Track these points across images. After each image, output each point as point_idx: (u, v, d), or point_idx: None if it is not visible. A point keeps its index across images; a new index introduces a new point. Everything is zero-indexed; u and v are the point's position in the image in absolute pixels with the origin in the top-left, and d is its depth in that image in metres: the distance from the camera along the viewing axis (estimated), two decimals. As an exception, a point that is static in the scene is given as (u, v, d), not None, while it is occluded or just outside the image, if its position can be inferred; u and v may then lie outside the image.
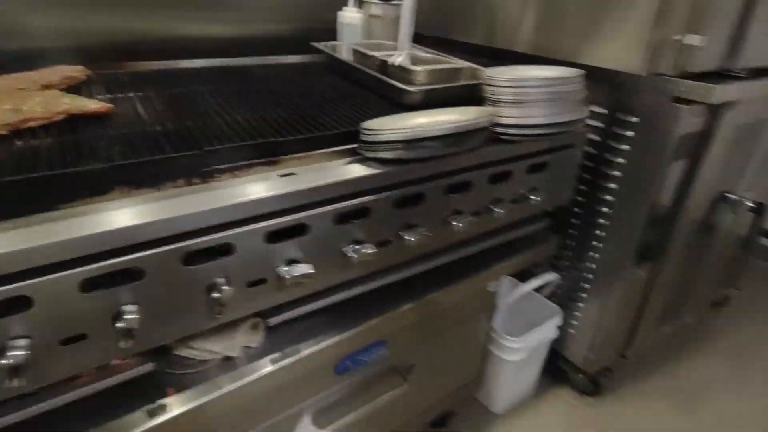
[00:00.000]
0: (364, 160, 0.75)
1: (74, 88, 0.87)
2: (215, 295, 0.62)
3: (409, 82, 0.93)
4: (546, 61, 1.14)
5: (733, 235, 1.44)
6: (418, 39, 1.12)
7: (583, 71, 0.90)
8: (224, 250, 0.62)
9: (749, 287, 2.01)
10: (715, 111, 1.01)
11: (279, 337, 0.78)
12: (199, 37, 1.21)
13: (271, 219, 0.64)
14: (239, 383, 0.71)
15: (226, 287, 0.61)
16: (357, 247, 0.73)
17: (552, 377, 1.48)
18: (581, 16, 1.07)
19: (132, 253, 0.56)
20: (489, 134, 0.84)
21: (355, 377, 0.91)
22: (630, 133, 1.04)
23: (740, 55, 0.99)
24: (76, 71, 0.89)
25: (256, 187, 0.64)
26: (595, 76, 1.05)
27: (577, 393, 1.45)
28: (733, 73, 0.99)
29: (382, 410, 1.00)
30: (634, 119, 1.02)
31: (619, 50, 0.95)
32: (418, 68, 0.93)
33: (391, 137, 0.72)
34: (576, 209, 1.22)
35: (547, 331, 1.27)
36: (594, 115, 1.11)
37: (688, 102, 0.93)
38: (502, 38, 1.29)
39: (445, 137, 0.74)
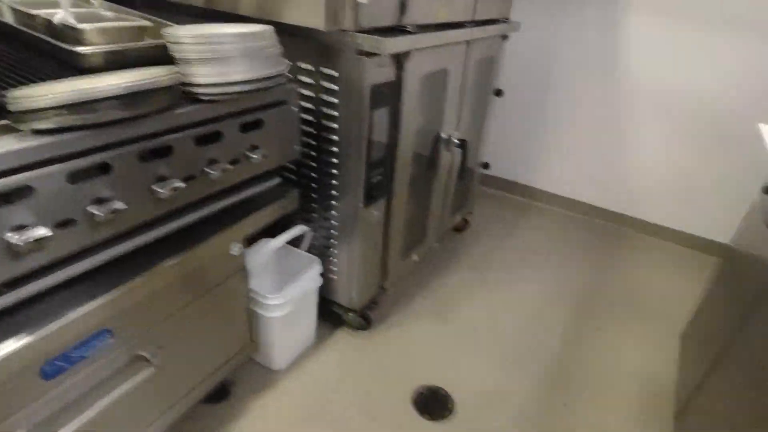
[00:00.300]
0: (22, 134, 0.66)
1: None
2: None
3: (80, 43, 0.84)
4: (253, 21, 1.16)
5: (453, 168, 1.73)
6: (130, 1, 1.02)
7: (271, 27, 0.94)
8: None
9: (484, 211, 2.48)
10: (397, 62, 1.17)
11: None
12: None
13: None
14: None
15: None
16: (23, 233, 0.65)
17: (331, 323, 1.60)
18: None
19: None
20: (178, 94, 0.83)
21: (80, 375, 0.82)
22: (335, 87, 1.14)
23: (409, 13, 1.16)
24: None
25: None
26: (298, 35, 1.11)
27: (353, 330, 1.59)
28: (406, 29, 1.16)
29: (131, 403, 0.94)
30: (335, 73, 1.12)
31: (307, 9, 1.02)
32: (87, 26, 0.84)
33: (45, 103, 0.65)
34: (312, 163, 1.30)
35: (308, 281, 1.35)
36: (305, 72, 1.18)
37: (369, 54, 1.06)
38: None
39: (115, 99, 0.70)
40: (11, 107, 0.66)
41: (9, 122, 0.67)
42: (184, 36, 0.84)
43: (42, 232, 0.67)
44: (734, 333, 1.02)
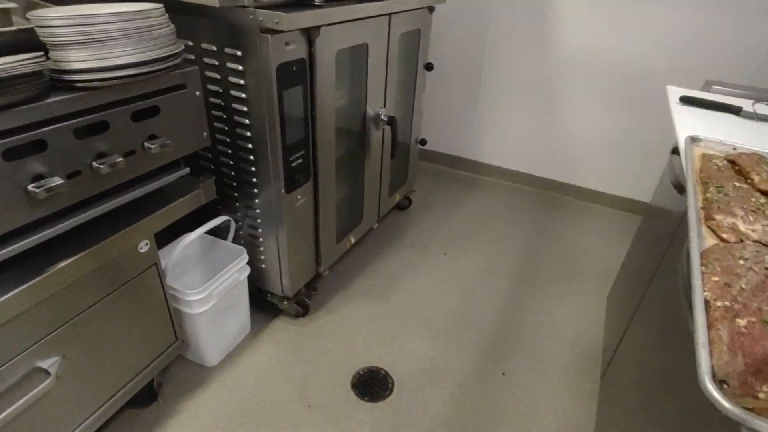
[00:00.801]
0: None
1: None
2: None
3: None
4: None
5: (385, 146, 1.70)
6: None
7: (161, 5, 0.87)
8: None
9: (428, 188, 2.48)
10: (308, 38, 1.12)
11: None
12: None
13: None
14: None
15: None
16: None
17: (267, 313, 1.56)
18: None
19: None
20: (45, 82, 0.75)
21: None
22: (241, 68, 1.07)
23: (315, -15, 1.10)
24: None
25: None
26: (193, 12, 1.03)
27: (291, 318, 1.56)
28: (313, 3, 1.10)
29: (33, 419, 0.88)
30: (239, 53, 1.05)
31: (196, -18, 0.95)
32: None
33: None
34: (228, 150, 1.23)
35: (233, 272, 1.30)
36: (208, 53, 1.10)
37: (272, 32, 1.00)
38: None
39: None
40: None
41: None
42: (54, 17, 0.76)
43: None
44: (645, 288, 1.06)
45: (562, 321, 1.65)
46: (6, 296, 0.76)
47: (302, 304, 1.54)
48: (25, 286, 0.79)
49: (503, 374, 1.43)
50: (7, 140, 0.71)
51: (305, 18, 1.03)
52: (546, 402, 1.35)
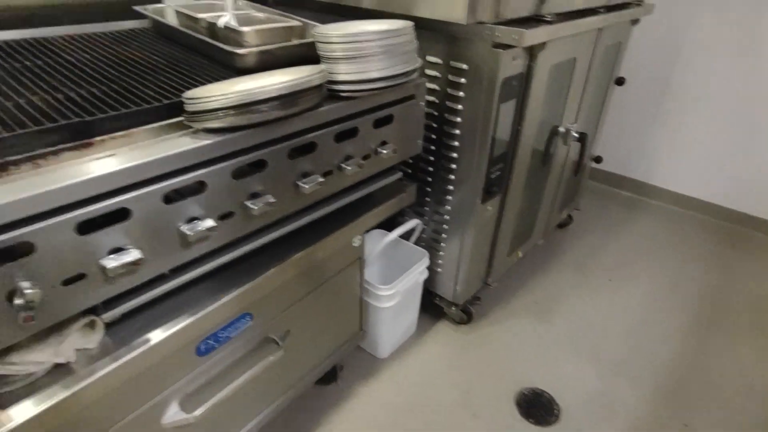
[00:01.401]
0: (194, 133, 0.71)
1: None
2: (18, 301, 0.55)
3: (239, 44, 0.88)
4: (384, 15, 1.16)
5: (567, 163, 1.64)
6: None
7: (412, 23, 0.92)
8: (25, 249, 0.55)
9: (588, 206, 2.34)
10: (530, 53, 1.11)
11: (127, 329, 0.73)
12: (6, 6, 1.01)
13: (86, 206, 0.58)
14: (81, 385, 0.65)
15: (29, 290, 0.55)
16: (194, 224, 0.70)
17: (431, 314, 1.60)
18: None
19: None
20: (325, 92, 0.84)
21: (223, 353, 0.89)
22: (463, 80, 1.10)
23: (549, 1, 1.09)
24: None
25: (65, 174, 0.57)
26: (429, 28, 1.09)
27: (453, 324, 1.59)
28: (544, 18, 1.09)
29: (259, 381, 1.01)
30: (465, 66, 1.08)
31: (446, 2, 0.99)
32: (247, 29, 0.88)
33: (218, 104, 0.68)
34: (430, 157, 1.28)
35: (417, 273, 1.35)
36: (432, 66, 1.15)
37: (505, 47, 1.01)
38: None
39: (276, 99, 0.72)
40: (187, 107, 0.70)
41: (183, 119, 0.72)
42: (335, 35, 0.85)
43: (210, 223, 0.71)
44: None
45: (758, 376, 1.45)
46: (262, 276, 0.87)
47: (467, 312, 1.56)
48: (274, 269, 0.89)
49: (685, 426, 1.30)
50: (291, 142, 0.81)
51: (540, 34, 1.03)
52: (742, 468, 1.20)
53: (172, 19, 1.01)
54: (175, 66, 0.89)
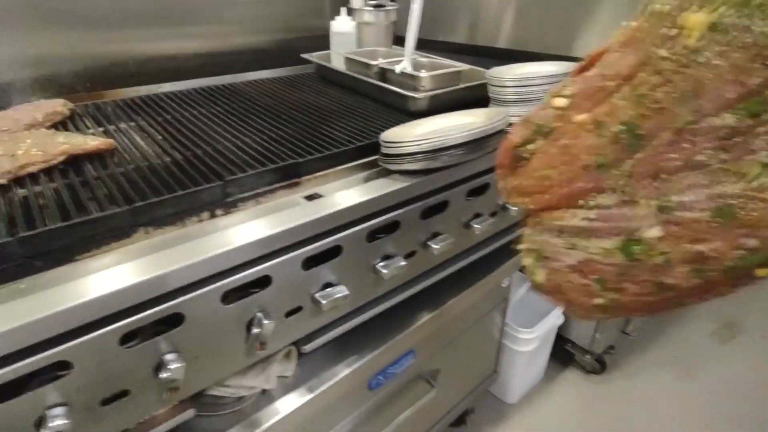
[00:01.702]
0: (386, 174, 0.74)
1: (60, 124, 0.81)
2: (256, 330, 0.60)
3: (415, 89, 0.91)
4: (528, 55, 1.16)
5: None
6: (399, 41, 1.11)
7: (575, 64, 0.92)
8: (262, 282, 0.60)
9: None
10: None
11: (310, 362, 0.76)
12: (177, 55, 1.15)
13: (305, 245, 0.62)
14: (281, 415, 0.69)
15: (266, 321, 0.59)
16: (387, 261, 0.72)
17: (558, 361, 1.52)
18: (565, 11, 1.10)
19: (167, 300, 0.52)
20: (503, 136, 0.85)
21: (384, 390, 0.90)
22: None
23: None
24: (60, 105, 0.82)
25: (288, 215, 0.62)
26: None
27: (584, 373, 1.49)
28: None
29: (412, 419, 1.00)
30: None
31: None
32: (424, 74, 0.92)
33: (414, 148, 0.71)
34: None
35: (555, 318, 1.29)
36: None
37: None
38: (484, 35, 1.30)
39: (467, 143, 0.74)
40: (384, 150, 0.74)
41: (377, 160, 0.75)
42: (509, 78, 0.86)
43: (401, 262, 0.73)
44: None
45: None
46: (426, 316, 0.88)
47: (601, 362, 1.46)
48: (432, 313, 0.90)
49: None
50: (469, 183, 0.82)
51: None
52: None
53: (339, 66, 1.09)
54: (351, 109, 0.94)
